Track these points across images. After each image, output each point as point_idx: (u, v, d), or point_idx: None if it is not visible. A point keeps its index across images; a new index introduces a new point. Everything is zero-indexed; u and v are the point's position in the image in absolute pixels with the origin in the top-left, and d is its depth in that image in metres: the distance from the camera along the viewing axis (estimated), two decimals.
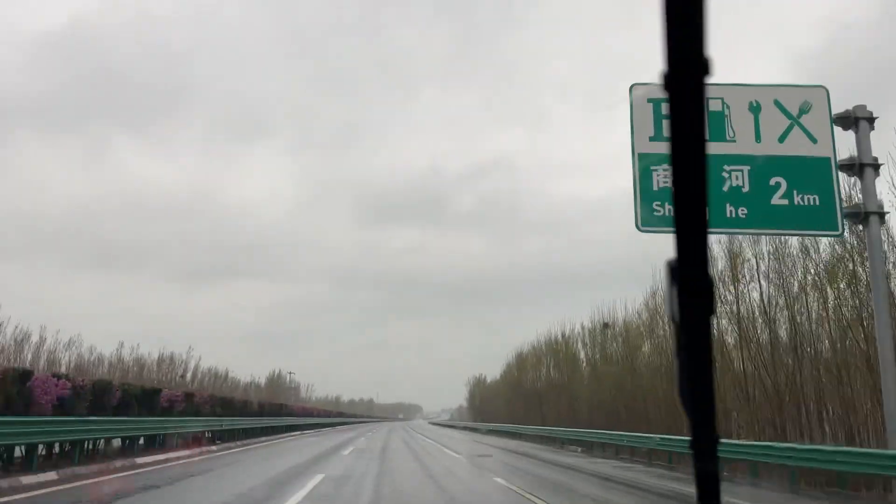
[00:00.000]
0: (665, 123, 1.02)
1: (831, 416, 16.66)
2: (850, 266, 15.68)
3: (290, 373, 71.15)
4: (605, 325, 31.98)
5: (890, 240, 14.22)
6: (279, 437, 31.83)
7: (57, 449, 13.44)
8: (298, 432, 39.45)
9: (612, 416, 28.00)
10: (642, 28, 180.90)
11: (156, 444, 18.54)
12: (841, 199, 11.20)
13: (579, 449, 27.14)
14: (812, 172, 11.05)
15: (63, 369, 20.71)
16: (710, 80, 0.82)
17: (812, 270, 17.64)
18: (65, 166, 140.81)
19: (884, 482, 12.07)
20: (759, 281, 19.12)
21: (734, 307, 19.64)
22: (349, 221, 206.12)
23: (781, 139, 11.15)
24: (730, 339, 19.98)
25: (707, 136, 0.86)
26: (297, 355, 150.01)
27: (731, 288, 19.95)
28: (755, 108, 11.28)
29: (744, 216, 10.80)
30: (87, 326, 49.34)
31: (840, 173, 11.38)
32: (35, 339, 21.68)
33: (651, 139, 10.98)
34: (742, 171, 10.95)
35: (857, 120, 11.69)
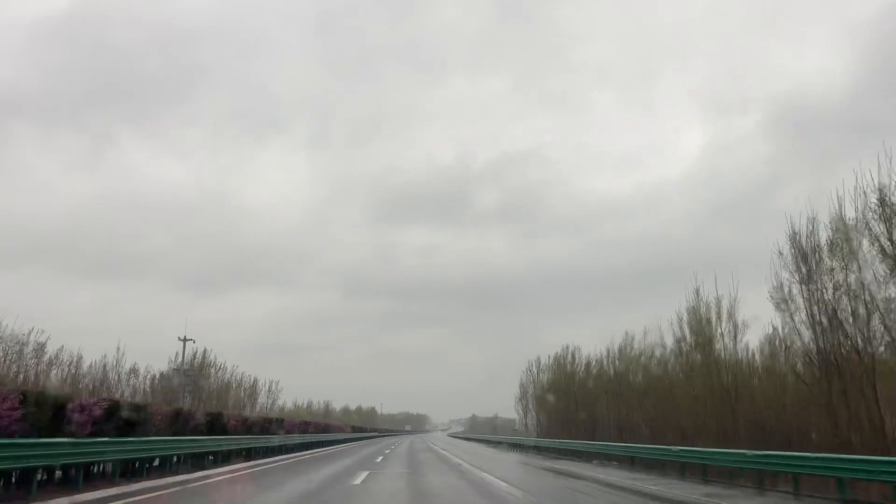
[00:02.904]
0: None
1: None
2: None
3: (190, 341, 35.95)
4: None
5: None
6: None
7: None
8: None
9: None
10: (686, 8, 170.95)
11: None
12: None
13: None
14: None
15: None
16: None
17: None
18: (63, 165, 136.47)
19: None
20: None
21: None
22: (365, 222, 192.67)
23: None
24: None
25: None
26: (299, 363, 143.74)
27: None
28: None
29: None
30: (83, 339, 43.77)
31: None
32: None
33: None
34: None
35: None
